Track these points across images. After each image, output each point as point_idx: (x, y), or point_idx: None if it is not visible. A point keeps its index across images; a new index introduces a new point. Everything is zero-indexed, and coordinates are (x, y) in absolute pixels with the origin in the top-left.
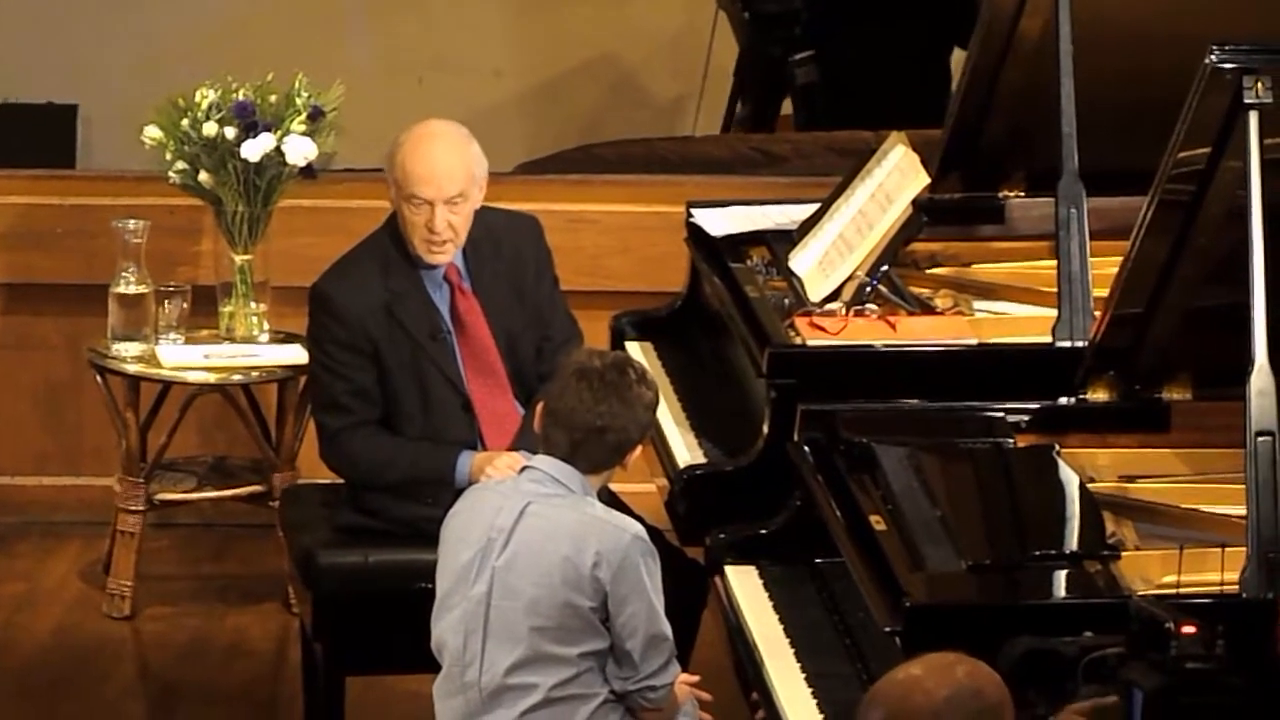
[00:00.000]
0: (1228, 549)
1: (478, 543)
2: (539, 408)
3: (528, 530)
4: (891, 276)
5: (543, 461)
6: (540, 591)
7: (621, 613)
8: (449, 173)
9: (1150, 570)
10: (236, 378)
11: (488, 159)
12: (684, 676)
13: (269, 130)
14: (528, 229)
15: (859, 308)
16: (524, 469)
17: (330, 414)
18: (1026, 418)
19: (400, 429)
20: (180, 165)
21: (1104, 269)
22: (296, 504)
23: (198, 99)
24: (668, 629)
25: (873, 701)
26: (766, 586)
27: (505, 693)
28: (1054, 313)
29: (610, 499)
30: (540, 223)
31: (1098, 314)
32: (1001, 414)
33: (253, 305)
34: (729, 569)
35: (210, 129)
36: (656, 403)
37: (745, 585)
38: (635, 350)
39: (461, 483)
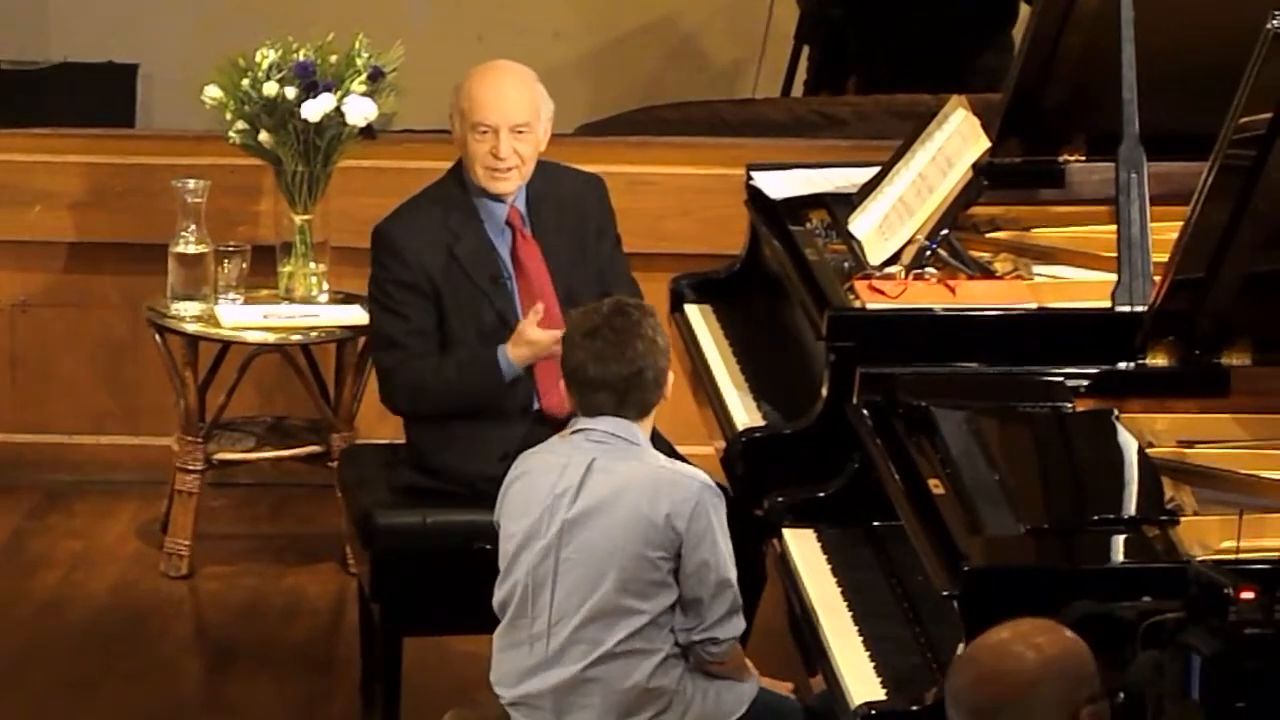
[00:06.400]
0: None
1: (543, 502)
2: (561, 385)
3: (596, 485)
4: (951, 240)
5: (594, 423)
6: (611, 544)
7: (692, 559)
8: (515, 100)
9: (1209, 535)
10: (295, 338)
11: None
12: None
13: (329, 90)
14: (591, 186)
15: (918, 271)
16: (576, 431)
17: (387, 353)
18: (1086, 382)
19: None
20: (240, 125)
21: (1164, 234)
22: (355, 464)
23: (258, 59)
24: (734, 575)
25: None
26: (824, 549)
27: (571, 647)
28: (1114, 277)
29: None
30: (605, 182)
31: (1158, 279)
32: (1061, 378)
33: (312, 265)
34: (787, 531)
35: (270, 89)
36: (660, 324)
37: (803, 548)
38: (694, 312)
39: (510, 374)
